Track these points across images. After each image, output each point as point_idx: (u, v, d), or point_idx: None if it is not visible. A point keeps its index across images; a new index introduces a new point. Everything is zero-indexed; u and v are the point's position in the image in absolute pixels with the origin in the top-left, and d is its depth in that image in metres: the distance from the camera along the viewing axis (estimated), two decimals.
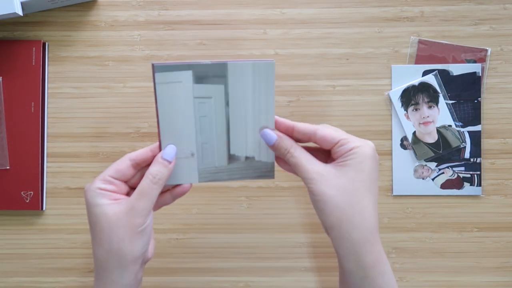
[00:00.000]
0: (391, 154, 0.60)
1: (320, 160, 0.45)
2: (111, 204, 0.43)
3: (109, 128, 0.60)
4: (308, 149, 0.46)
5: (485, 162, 0.60)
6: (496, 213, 0.60)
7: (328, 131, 0.44)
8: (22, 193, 0.59)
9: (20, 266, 0.60)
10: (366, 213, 0.43)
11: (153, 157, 0.45)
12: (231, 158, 0.47)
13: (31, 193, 0.59)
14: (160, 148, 0.45)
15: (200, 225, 0.60)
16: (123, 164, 0.45)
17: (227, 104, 0.45)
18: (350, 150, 0.43)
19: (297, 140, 0.46)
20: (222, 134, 0.46)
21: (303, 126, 0.45)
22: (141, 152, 0.45)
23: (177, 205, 0.60)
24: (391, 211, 0.60)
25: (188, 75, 0.43)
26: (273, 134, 0.45)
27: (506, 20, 0.60)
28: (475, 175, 0.59)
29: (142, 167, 0.46)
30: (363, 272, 0.43)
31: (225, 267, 0.60)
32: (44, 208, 0.60)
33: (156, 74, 0.42)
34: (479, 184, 0.59)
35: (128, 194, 0.46)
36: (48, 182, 0.60)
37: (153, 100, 0.44)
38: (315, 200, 0.43)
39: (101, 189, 0.43)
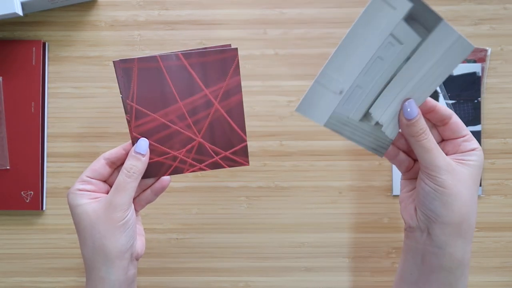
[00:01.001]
0: None
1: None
2: (91, 203, 0.44)
3: (109, 128, 0.60)
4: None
5: (485, 162, 0.60)
6: (496, 213, 0.60)
7: (460, 121, 0.45)
8: (22, 193, 0.59)
9: (20, 266, 0.60)
10: (476, 213, 0.44)
11: (126, 154, 0.46)
12: (366, 116, 0.45)
13: (31, 193, 0.59)
14: (133, 142, 0.46)
15: (200, 225, 0.60)
16: (98, 164, 0.46)
17: (407, 59, 0.43)
18: (473, 150, 0.44)
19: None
20: (379, 85, 0.44)
21: (443, 108, 0.45)
22: (115, 150, 0.46)
23: (177, 205, 0.60)
24: (391, 211, 0.60)
25: (406, 7, 0.41)
26: (417, 108, 0.43)
27: (506, 20, 0.60)
28: None
29: (118, 165, 0.47)
30: (462, 271, 0.44)
31: (225, 267, 0.60)
32: (44, 208, 0.60)
33: None
34: (479, 184, 0.59)
35: (108, 192, 0.47)
36: (48, 182, 0.60)
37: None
38: (440, 192, 0.42)
39: (80, 190, 0.45)
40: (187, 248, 0.60)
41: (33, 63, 0.59)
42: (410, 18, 0.42)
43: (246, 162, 0.48)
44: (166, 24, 0.60)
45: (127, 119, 0.45)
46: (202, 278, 0.60)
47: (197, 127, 0.47)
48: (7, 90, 0.59)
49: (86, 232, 0.44)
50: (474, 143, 0.44)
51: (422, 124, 0.43)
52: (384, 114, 0.45)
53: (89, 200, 0.45)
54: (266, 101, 0.60)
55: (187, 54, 0.44)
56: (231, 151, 0.48)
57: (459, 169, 0.43)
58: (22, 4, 0.55)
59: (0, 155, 0.59)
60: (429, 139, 0.43)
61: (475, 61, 0.59)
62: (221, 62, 0.44)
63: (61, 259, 0.60)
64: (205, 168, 0.48)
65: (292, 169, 0.60)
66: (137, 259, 0.47)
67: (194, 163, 0.48)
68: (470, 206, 0.43)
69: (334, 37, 0.60)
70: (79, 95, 0.60)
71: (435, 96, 0.59)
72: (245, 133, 0.47)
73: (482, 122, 0.59)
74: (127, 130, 0.60)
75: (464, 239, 0.43)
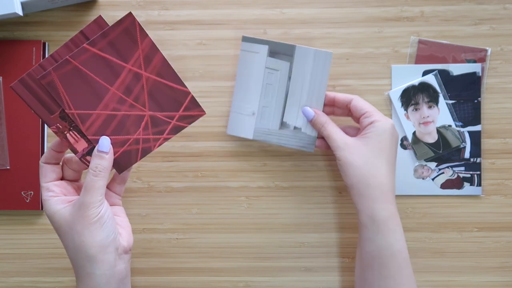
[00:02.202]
0: None
1: (350, 135, 0.54)
2: (66, 207, 0.47)
3: None
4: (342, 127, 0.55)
5: (485, 162, 0.60)
6: (496, 213, 0.60)
7: (360, 103, 0.53)
8: (22, 193, 0.59)
9: (20, 266, 0.60)
10: (379, 175, 0.51)
11: (59, 152, 0.48)
12: (283, 124, 0.56)
13: (31, 193, 0.59)
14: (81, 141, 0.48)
15: (200, 225, 0.60)
16: (43, 169, 0.48)
17: (289, 78, 0.56)
18: (371, 123, 0.51)
19: (337, 112, 0.57)
20: (280, 102, 0.56)
21: (342, 97, 0.55)
22: (46, 153, 0.49)
23: (177, 205, 0.60)
24: None
25: (264, 48, 0.56)
26: (311, 111, 0.55)
27: (506, 20, 0.60)
28: (475, 175, 0.59)
29: (59, 162, 0.50)
30: (376, 227, 0.50)
31: (225, 267, 0.60)
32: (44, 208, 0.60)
33: (242, 43, 0.56)
34: (479, 184, 0.59)
35: (78, 190, 0.50)
36: None
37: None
38: (340, 164, 0.52)
39: (52, 196, 0.47)
40: (187, 248, 0.60)
41: (33, 63, 0.59)
42: (273, 53, 0.56)
43: (202, 111, 0.49)
44: (166, 24, 0.60)
45: (53, 131, 0.46)
46: (202, 278, 0.60)
47: (140, 102, 0.47)
48: (7, 90, 0.59)
49: (66, 235, 0.46)
50: (372, 117, 0.52)
51: (321, 120, 0.54)
52: (297, 120, 0.56)
53: (64, 204, 0.47)
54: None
55: (92, 42, 0.44)
56: (182, 108, 0.48)
57: (354, 143, 0.52)
58: (22, 4, 0.55)
59: (0, 155, 0.59)
60: (327, 129, 0.54)
61: (475, 61, 0.59)
62: (125, 33, 0.44)
63: (61, 259, 0.60)
64: (168, 136, 0.48)
65: (292, 169, 0.60)
66: (125, 253, 0.48)
67: (157, 136, 0.48)
68: (363, 170, 0.50)
69: (334, 37, 0.60)
70: None
71: (435, 96, 0.59)
72: (184, 85, 0.47)
73: (482, 122, 0.59)
74: None
75: (367, 198, 0.50)
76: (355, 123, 0.56)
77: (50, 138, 0.60)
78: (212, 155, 0.60)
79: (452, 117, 0.59)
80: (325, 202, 0.60)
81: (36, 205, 0.59)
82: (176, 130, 0.48)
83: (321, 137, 0.56)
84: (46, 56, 0.60)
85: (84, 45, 0.44)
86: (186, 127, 0.48)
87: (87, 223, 0.45)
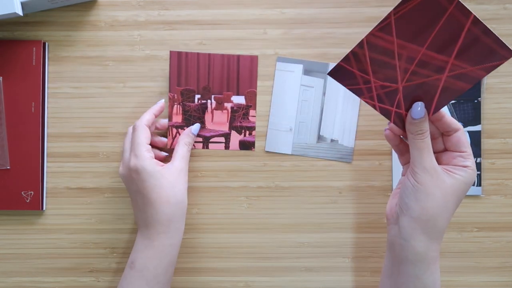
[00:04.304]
0: (391, 154, 0.60)
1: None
2: (162, 169, 0.53)
3: (109, 128, 0.60)
4: None
5: (485, 162, 0.60)
6: (496, 213, 0.60)
7: (464, 138, 0.49)
8: (22, 193, 0.59)
9: (20, 266, 0.60)
10: (447, 219, 0.47)
11: (154, 116, 0.57)
12: (320, 138, 0.59)
13: (31, 193, 0.59)
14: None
15: (200, 225, 0.60)
16: (146, 132, 0.54)
17: (324, 94, 0.59)
18: (465, 167, 0.47)
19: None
20: (316, 117, 0.59)
21: (451, 120, 0.49)
22: (148, 115, 0.56)
23: None
24: None
25: (299, 67, 0.58)
26: (423, 110, 0.47)
27: (506, 20, 0.60)
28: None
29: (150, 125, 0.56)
30: (426, 265, 0.48)
31: (225, 267, 0.60)
32: (44, 208, 0.60)
33: (278, 63, 0.59)
34: (479, 184, 0.59)
35: (154, 157, 0.55)
36: (48, 182, 0.60)
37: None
38: (416, 188, 0.47)
39: (151, 157, 0.53)
40: (187, 248, 0.60)
41: (33, 63, 0.59)
42: (308, 71, 0.58)
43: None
44: (166, 24, 0.60)
45: (169, 96, 0.54)
46: (202, 278, 0.60)
47: (410, 77, 0.45)
48: (7, 90, 0.59)
49: (166, 191, 0.52)
50: (469, 161, 0.48)
51: (424, 126, 0.47)
52: (334, 133, 0.58)
53: (159, 166, 0.53)
54: (266, 101, 0.60)
55: (481, 24, 0.42)
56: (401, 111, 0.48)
57: (442, 176, 0.47)
58: (22, 4, 0.55)
59: (0, 155, 0.59)
60: (424, 141, 0.47)
61: None
62: (487, 51, 0.42)
63: (61, 259, 0.60)
64: (377, 105, 0.48)
65: (292, 169, 0.60)
66: None
67: (377, 98, 0.48)
68: (441, 209, 0.47)
69: (334, 37, 0.60)
70: (79, 95, 0.60)
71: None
72: (432, 112, 0.47)
73: (482, 122, 0.59)
74: (126, 130, 0.59)
75: (427, 236, 0.47)
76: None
77: (50, 138, 0.60)
78: (212, 155, 0.60)
79: (452, 117, 0.59)
80: (325, 202, 0.60)
81: (36, 205, 0.59)
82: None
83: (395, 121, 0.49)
84: (46, 56, 0.60)
85: (477, 18, 0.41)
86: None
87: (186, 185, 0.54)
